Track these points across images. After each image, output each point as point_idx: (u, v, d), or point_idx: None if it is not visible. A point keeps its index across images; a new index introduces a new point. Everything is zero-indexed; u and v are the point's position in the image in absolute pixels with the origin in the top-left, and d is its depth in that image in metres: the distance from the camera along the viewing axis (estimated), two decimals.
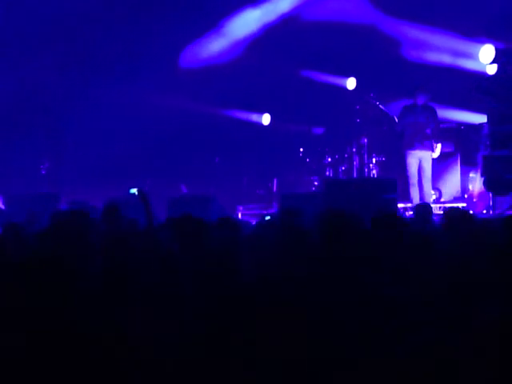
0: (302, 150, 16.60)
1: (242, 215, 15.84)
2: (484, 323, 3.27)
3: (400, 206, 13.20)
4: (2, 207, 13.33)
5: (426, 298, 3.68)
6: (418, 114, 13.23)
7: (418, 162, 13.21)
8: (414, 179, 13.21)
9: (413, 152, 13.17)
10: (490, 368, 3.06)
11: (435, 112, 13.46)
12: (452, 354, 3.02)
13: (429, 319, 3.47)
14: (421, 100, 13.26)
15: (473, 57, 15.38)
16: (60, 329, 3.19)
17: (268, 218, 9.92)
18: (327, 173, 16.26)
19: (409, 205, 13.26)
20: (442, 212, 12.40)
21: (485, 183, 12.90)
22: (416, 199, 13.14)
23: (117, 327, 3.32)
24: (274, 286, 3.74)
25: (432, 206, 11.96)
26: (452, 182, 14.82)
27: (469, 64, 15.56)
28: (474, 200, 13.79)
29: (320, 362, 3.26)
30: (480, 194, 13.70)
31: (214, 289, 3.76)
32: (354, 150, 16.06)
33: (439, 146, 13.36)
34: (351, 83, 17.17)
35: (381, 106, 13.82)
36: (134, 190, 9.08)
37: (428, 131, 13.21)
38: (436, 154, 13.34)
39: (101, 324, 3.32)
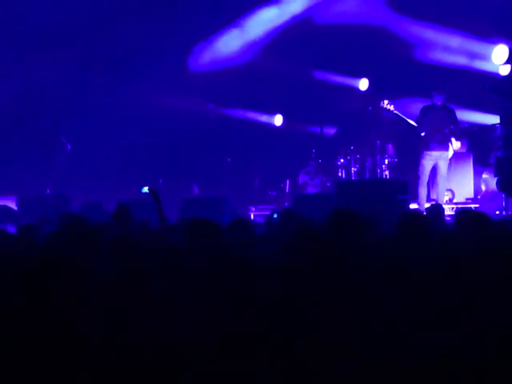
0: (314, 150, 16.60)
1: (254, 216, 15.84)
2: (486, 324, 3.26)
3: (412, 206, 13.16)
4: (15, 208, 13.36)
5: (432, 300, 3.67)
6: (438, 114, 13.10)
7: (432, 163, 13.06)
8: (424, 180, 13.09)
9: (430, 153, 13.02)
10: (490, 368, 3.05)
11: (454, 112, 13.31)
12: (454, 355, 3.00)
13: (432, 320, 3.46)
14: (438, 100, 13.11)
15: (486, 57, 15.34)
16: (65, 329, 3.20)
17: (275, 215, 9.83)
18: (339, 174, 16.24)
19: (415, 205, 13.17)
20: (454, 213, 12.39)
21: (498, 184, 12.84)
22: (423, 200, 13.02)
23: (123, 328, 3.33)
24: (285, 287, 3.74)
25: (445, 206, 11.94)
26: (465, 183, 14.75)
27: (482, 65, 15.51)
28: (487, 201, 13.73)
29: (321, 362, 3.26)
30: (493, 195, 13.64)
31: (225, 290, 3.75)
32: (366, 151, 16.05)
33: (459, 143, 13.26)
34: (364, 84, 17.16)
35: (396, 111, 13.61)
36: (146, 189, 9.09)
37: (446, 131, 13.08)
38: (456, 145, 13.18)
39: (106, 324, 3.32)
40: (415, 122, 13.27)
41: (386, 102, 13.67)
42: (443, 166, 13.08)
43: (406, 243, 5.02)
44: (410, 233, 5.30)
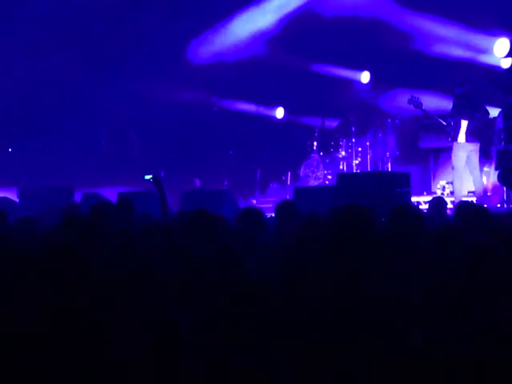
0: (315, 143, 16.60)
1: None
2: (484, 322, 3.26)
3: (414, 199, 13.14)
4: (16, 200, 13.34)
5: (431, 294, 3.67)
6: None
7: (467, 154, 12.79)
8: (460, 172, 12.80)
9: (464, 144, 12.73)
10: (488, 366, 3.05)
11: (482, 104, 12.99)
12: (451, 353, 3.01)
13: (430, 317, 3.47)
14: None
15: (488, 50, 15.31)
16: (71, 318, 3.22)
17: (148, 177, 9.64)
18: (341, 166, 16.25)
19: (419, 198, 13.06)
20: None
21: (499, 177, 12.82)
22: (460, 193, 12.81)
23: (124, 322, 3.34)
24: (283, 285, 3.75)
25: (446, 199, 11.90)
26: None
27: (483, 58, 15.48)
28: (489, 194, 13.72)
29: (321, 361, 3.26)
30: (494, 188, 13.63)
31: (223, 283, 3.76)
32: (368, 143, 16.05)
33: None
34: (365, 77, 17.15)
35: (424, 108, 13.22)
36: (149, 177, 9.05)
37: (476, 123, 12.79)
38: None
39: (108, 318, 3.34)
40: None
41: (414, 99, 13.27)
42: (475, 158, 12.77)
43: (398, 237, 5.01)
44: (401, 226, 5.27)
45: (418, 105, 12.98)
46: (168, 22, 16.79)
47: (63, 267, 3.43)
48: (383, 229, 5.50)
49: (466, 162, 12.72)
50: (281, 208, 7.14)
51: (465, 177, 12.97)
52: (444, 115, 13.03)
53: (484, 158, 14.60)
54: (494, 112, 14.32)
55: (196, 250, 4.74)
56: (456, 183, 12.88)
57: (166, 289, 3.88)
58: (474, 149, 12.74)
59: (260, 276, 3.96)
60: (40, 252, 3.50)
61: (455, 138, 12.72)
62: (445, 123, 12.85)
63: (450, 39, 15.75)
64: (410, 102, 13.06)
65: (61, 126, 16.84)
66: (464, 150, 12.67)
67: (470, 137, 12.71)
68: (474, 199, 13.46)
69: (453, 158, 12.81)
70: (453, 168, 12.88)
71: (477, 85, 13.37)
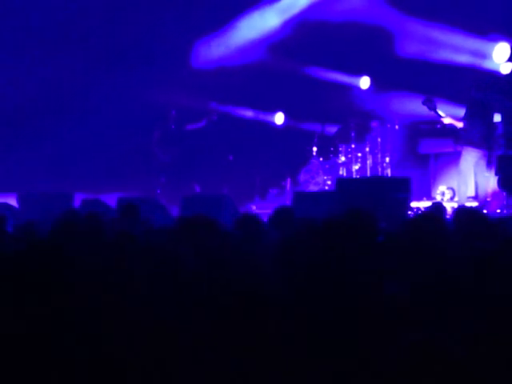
0: (315, 149, 16.60)
1: None
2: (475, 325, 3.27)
3: (413, 204, 13.13)
4: (16, 206, 13.33)
5: (427, 298, 3.68)
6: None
7: (475, 160, 12.76)
8: (466, 177, 12.81)
9: (474, 149, 12.70)
10: (479, 369, 3.05)
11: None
12: (442, 355, 3.01)
13: (420, 319, 3.47)
14: None
15: (487, 55, 15.31)
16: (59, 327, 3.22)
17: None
18: (340, 172, 16.25)
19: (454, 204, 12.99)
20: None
21: (499, 182, 12.80)
22: (464, 197, 12.78)
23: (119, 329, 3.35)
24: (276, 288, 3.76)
25: (445, 205, 11.90)
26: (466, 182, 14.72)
27: (483, 63, 15.48)
28: (489, 199, 13.72)
29: (317, 361, 3.27)
30: (494, 194, 13.62)
31: (220, 291, 3.76)
32: (368, 149, 16.06)
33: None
34: (365, 82, 17.15)
35: (438, 110, 13.11)
36: None
37: (484, 130, 12.76)
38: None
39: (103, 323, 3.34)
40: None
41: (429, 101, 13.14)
42: (482, 164, 12.75)
43: (412, 245, 5.01)
44: (417, 236, 5.26)
45: (433, 107, 12.88)
46: (168, 27, 16.81)
47: (50, 268, 3.43)
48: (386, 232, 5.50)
49: (474, 166, 12.73)
50: (278, 214, 7.15)
51: (468, 182, 12.94)
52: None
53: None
54: (495, 118, 14.34)
55: (194, 255, 4.74)
56: (462, 187, 12.87)
57: (166, 292, 3.88)
58: (482, 154, 12.72)
59: (259, 281, 3.97)
60: (30, 256, 3.51)
61: (468, 143, 12.69)
62: (458, 127, 12.86)
63: (449, 45, 15.76)
64: (424, 103, 12.94)
65: (61, 130, 16.84)
66: (473, 156, 12.66)
67: (478, 143, 12.65)
68: (474, 204, 13.47)
69: (461, 161, 12.79)
70: (460, 172, 12.84)
71: (493, 92, 13.34)
